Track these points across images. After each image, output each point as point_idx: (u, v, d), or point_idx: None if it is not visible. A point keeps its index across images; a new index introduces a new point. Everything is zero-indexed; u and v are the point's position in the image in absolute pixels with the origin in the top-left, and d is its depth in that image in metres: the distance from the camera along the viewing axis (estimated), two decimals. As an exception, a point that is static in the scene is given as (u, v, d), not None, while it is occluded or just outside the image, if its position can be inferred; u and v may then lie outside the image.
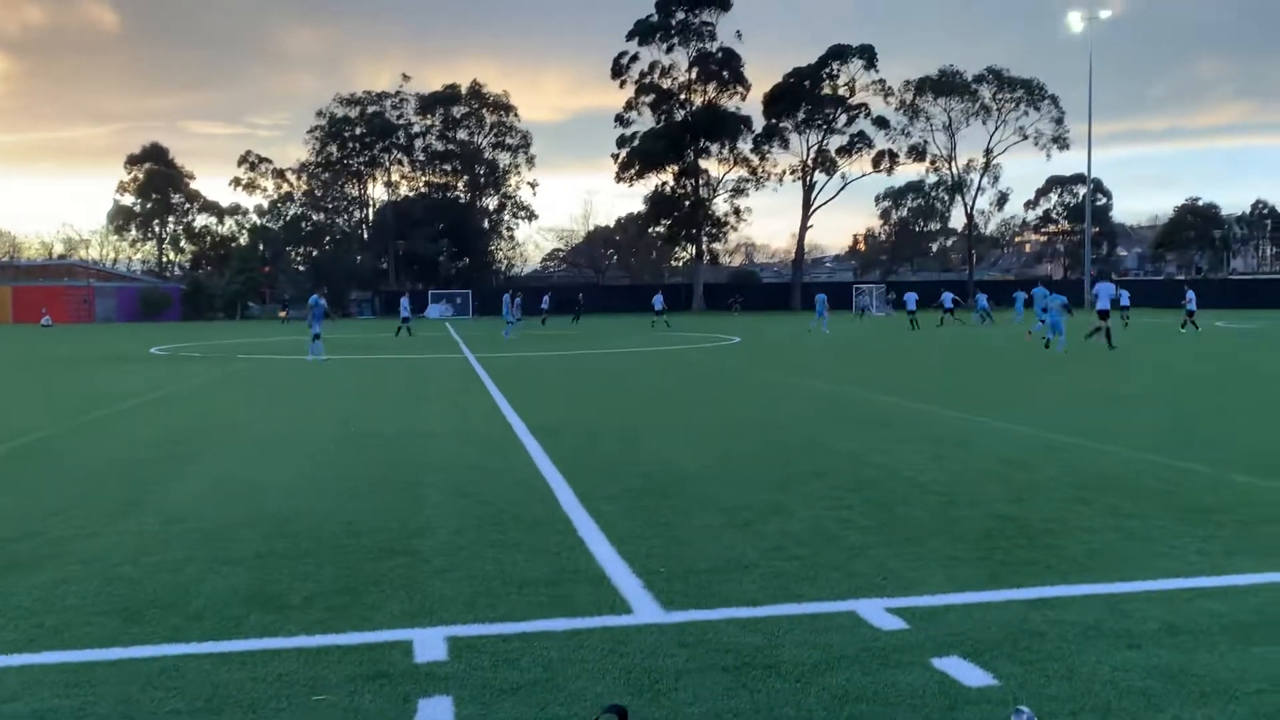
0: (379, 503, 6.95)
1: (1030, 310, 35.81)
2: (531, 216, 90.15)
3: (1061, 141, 79.46)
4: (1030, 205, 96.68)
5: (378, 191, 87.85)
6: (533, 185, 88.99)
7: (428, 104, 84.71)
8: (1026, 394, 14.42)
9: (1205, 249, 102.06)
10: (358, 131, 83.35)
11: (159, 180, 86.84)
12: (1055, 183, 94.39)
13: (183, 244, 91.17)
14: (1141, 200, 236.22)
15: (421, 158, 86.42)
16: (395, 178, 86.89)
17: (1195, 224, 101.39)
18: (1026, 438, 9.72)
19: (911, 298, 43.72)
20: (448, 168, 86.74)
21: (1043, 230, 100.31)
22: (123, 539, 5.99)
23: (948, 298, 44.30)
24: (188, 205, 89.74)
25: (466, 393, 15.24)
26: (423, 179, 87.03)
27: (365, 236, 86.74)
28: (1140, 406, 12.63)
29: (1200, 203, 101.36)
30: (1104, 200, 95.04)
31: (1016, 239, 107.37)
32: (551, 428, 10.75)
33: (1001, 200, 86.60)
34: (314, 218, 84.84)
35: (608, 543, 5.69)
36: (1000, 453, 8.82)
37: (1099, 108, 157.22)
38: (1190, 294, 33.78)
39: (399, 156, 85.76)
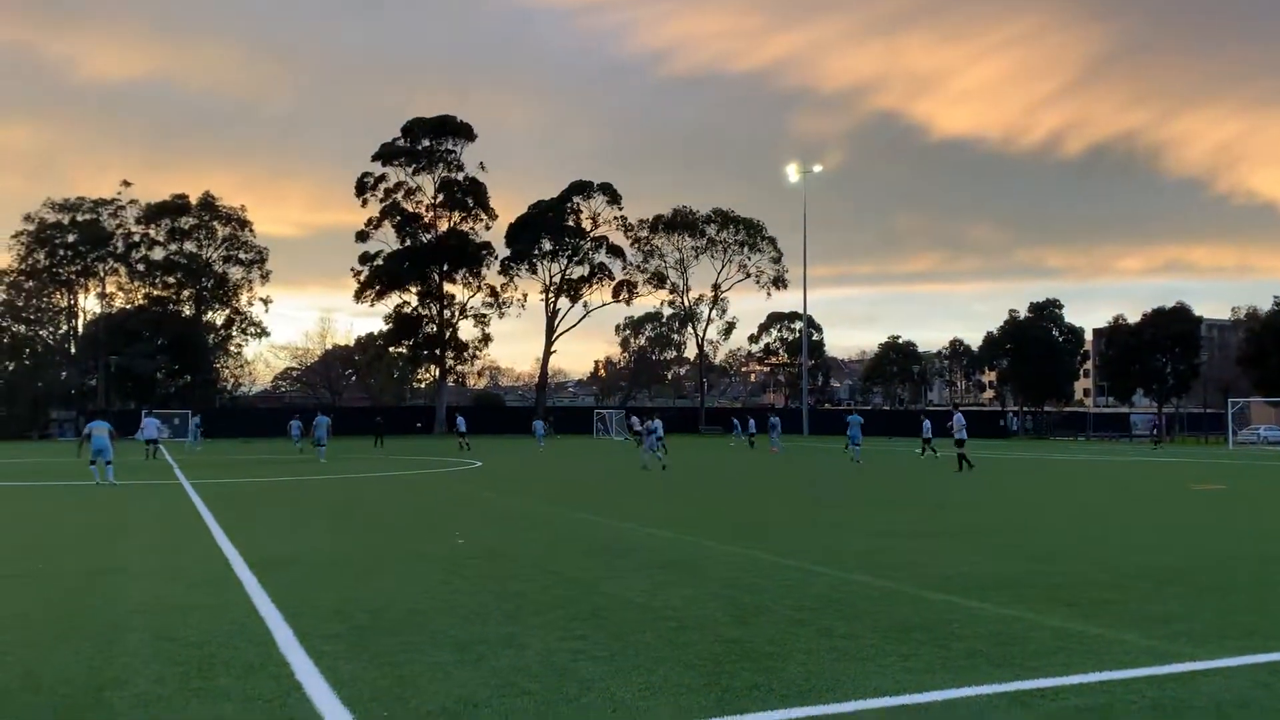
0: (65, 651, 6.19)
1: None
2: (263, 334, 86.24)
3: (780, 281, 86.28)
4: (754, 339, 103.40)
5: (90, 303, 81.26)
6: (266, 301, 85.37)
7: (153, 213, 80.00)
8: (753, 517, 15.08)
9: (906, 382, 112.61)
10: (70, 239, 77.16)
11: None
12: (775, 318, 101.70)
13: None
14: (851, 337, 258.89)
15: (141, 269, 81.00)
16: (110, 289, 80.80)
17: (897, 359, 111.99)
18: (752, 560, 10.12)
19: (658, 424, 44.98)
20: (171, 280, 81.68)
21: (765, 361, 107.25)
22: None
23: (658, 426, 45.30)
24: None
25: (177, 523, 14.06)
26: (142, 291, 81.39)
27: (72, 351, 79.51)
28: (855, 530, 13.50)
29: (901, 340, 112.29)
30: (818, 336, 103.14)
31: (743, 369, 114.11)
32: (272, 561, 10.07)
33: (729, 330, 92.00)
34: (13, 329, 76.96)
35: (328, 687, 5.32)
36: (727, 576, 9.11)
37: (815, 252, 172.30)
38: (926, 423, 37.06)
39: (115, 266, 79.96)
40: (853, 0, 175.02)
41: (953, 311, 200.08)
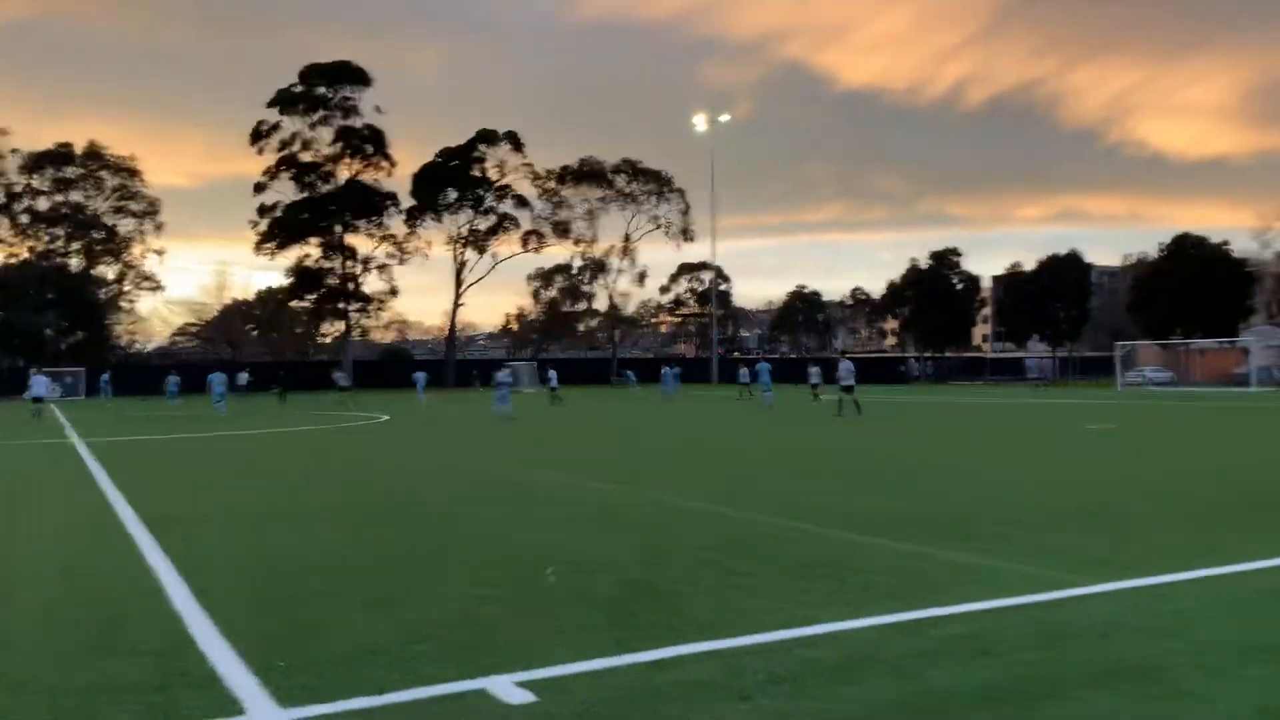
0: (-59, 615, 5.94)
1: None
2: (158, 288, 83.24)
3: (688, 233, 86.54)
4: (664, 290, 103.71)
5: (-31, 257, 77.14)
6: (159, 254, 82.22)
7: (35, 163, 76.13)
8: (663, 463, 15.23)
9: (812, 331, 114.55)
10: (-56, 189, 73.03)
11: None
12: (686, 269, 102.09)
13: None
14: (760, 287, 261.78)
15: (25, 220, 77.19)
16: (-9, 242, 76.81)
17: (803, 309, 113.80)
18: (661, 504, 10.22)
19: (554, 375, 45.43)
20: (58, 232, 78.08)
21: (676, 312, 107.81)
22: None
23: (553, 376, 45.73)
24: None
25: (68, 481, 13.56)
26: (26, 245, 77.65)
27: (-49, 307, 75.57)
28: (762, 474, 13.74)
29: (807, 290, 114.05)
30: (727, 286, 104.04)
31: (654, 320, 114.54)
32: (168, 518, 9.80)
33: (641, 279, 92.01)
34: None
35: (224, 640, 5.21)
36: (637, 520, 9.19)
37: (724, 203, 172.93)
38: (814, 370, 38.04)
39: (-4, 219, 76.00)
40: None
41: (859, 261, 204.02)
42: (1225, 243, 75.91)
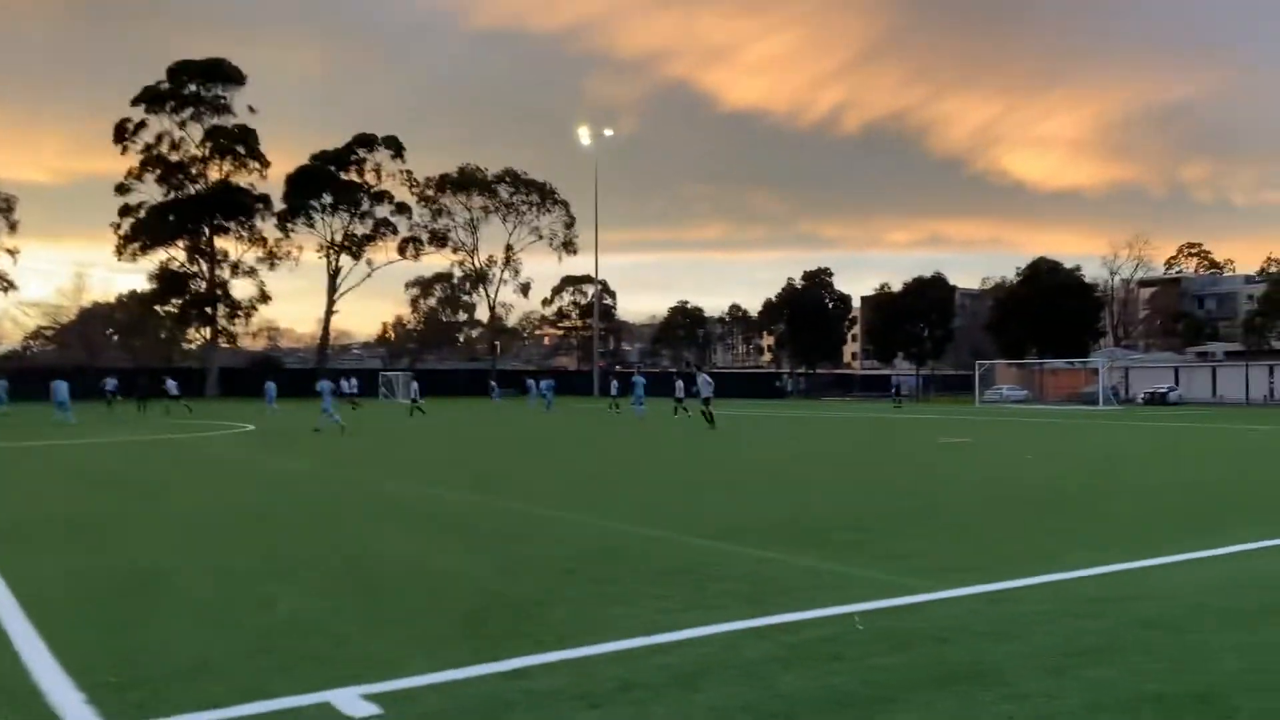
0: None
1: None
2: (10, 287, 78.56)
3: (571, 245, 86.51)
4: (547, 302, 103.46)
5: None
6: (13, 252, 77.63)
7: None
8: (529, 474, 15.13)
9: (692, 345, 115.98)
10: None
11: None
12: (569, 282, 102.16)
13: None
14: (643, 301, 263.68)
15: None
16: None
17: (685, 324, 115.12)
18: (525, 515, 10.14)
19: (415, 386, 43.83)
20: (-106, 227, 72.93)
21: (559, 325, 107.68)
22: None
23: (415, 387, 43.73)
24: None
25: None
26: None
27: None
28: (628, 485, 13.80)
29: (689, 305, 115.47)
30: (610, 300, 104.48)
31: (536, 332, 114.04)
32: (9, 528, 9.22)
33: (525, 290, 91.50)
34: None
35: (49, 652, 4.92)
36: (498, 530, 9.10)
37: (608, 217, 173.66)
38: (679, 383, 38.40)
39: None
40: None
41: (739, 278, 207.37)
42: (1078, 268, 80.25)
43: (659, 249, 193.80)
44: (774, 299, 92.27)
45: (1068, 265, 79.86)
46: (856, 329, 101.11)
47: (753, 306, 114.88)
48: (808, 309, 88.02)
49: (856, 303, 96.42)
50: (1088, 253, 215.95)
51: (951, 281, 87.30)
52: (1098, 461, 17.63)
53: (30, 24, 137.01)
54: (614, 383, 46.02)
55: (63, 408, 31.65)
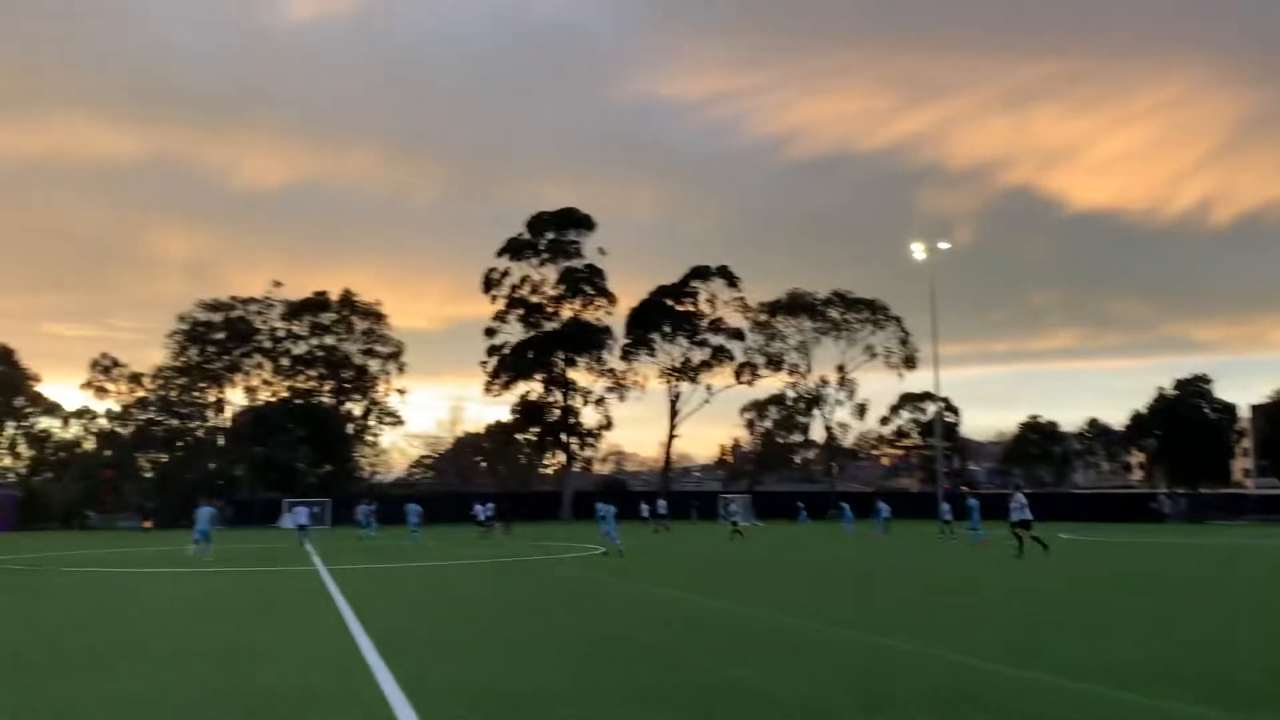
0: (198, 730, 6.38)
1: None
2: (398, 423, 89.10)
3: (910, 361, 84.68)
4: (885, 420, 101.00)
5: (237, 396, 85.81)
6: (401, 392, 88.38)
7: (296, 310, 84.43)
8: (880, 604, 14.55)
9: (1047, 463, 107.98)
10: (218, 336, 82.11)
11: (1, 382, 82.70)
12: (907, 399, 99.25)
13: (20, 449, 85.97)
14: (988, 417, 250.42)
15: (285, 363, 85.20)
16: (256, 383, 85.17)
17: (1037, 440, 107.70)
18: (881, 648, 9.73)
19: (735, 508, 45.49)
20: (313, 373, 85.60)
21: (898, 444, 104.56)
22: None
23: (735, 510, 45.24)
24: (30, 408, 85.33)
25: (309, 606, 14.43)
26: (285, 384, 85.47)
27: (220, 443, 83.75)
28: (986, 616, 12.88)
29: (1041, 420, 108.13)
30: (953, 417, 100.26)
31: (874, 451, 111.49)
32: (399, 641, 10.21)
33: (861, 412, 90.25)
34: (167, 422, 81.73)
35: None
36: (854, 664, 8.78)
37: (948, 331, 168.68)
38: (945, 506, 37.23)
39: (260, 361, 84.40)
40: (978, 78, 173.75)
41: (1093, 389, 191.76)
42: None
43: (1004, 361, 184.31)
44: (1143, 410, 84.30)
45: None
46: (1246, 442, 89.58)
47: (1112, 419, 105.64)
48: (1184, 420, 79.42)
49: (1244, 411, 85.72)
50: None
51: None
52: None
53: (414, 194, 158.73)
54: (944, 506, 43.22)
55: (414, 529, 36.21)
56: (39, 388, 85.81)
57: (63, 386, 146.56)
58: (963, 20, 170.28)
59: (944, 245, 75.79)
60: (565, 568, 23.38)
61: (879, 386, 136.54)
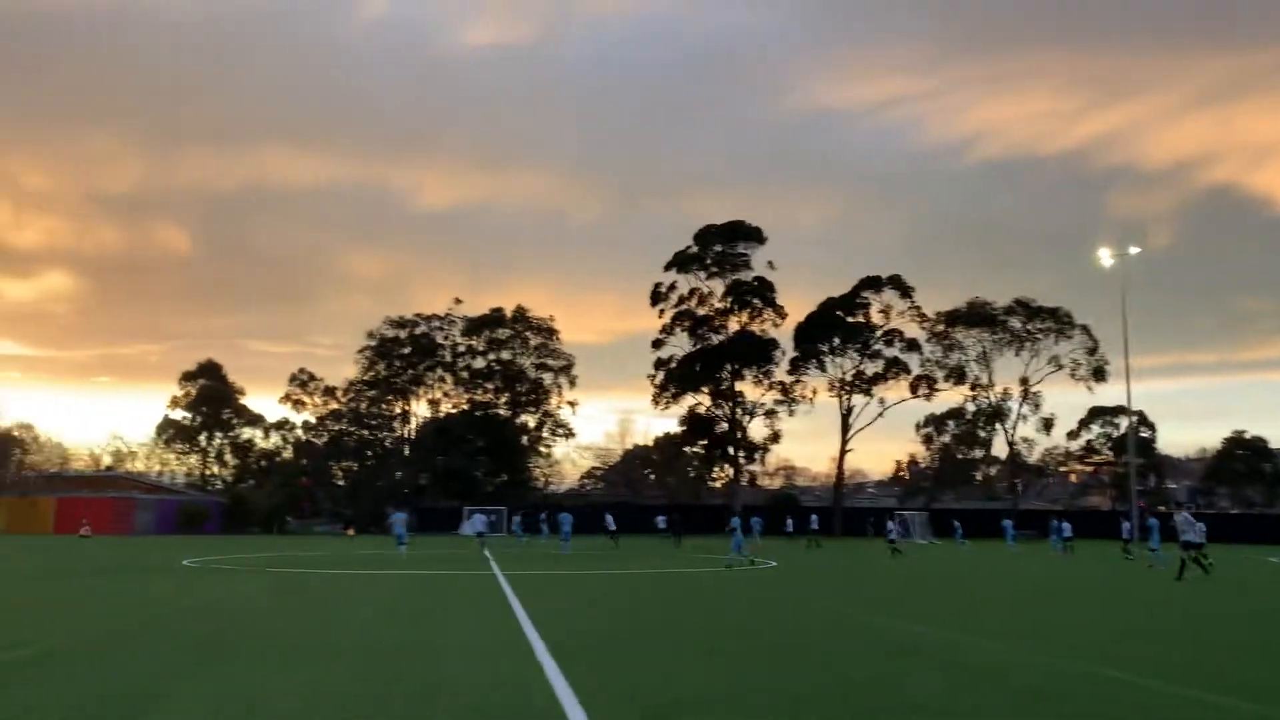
0: (387, 716, 6.74)
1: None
2: (570, 435, 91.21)
3: (1099, 373, 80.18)
4: (1073, 435, 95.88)
5: (421, 408, 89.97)
6: (572, 404, 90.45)
7: (474, 326, 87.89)
8: (1052, 621, 13.88)
9: (1258, 482, 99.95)
10: (404, 351, 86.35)
11: (210, 396, 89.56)
12: (1098, 413, 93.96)
13: (226, 457, 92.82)
14: (1190, 432, 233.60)
15: (465, 376, 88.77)
16: (438, 395, 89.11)
17: (1244, 457, 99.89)
18: (1060, 671, 9.29)
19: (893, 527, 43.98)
20: (490, 386, 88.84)
21: (1087, 461, 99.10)
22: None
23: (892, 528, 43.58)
24: (236, 420, 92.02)
25: (486, 608, 14.97)
26: (465, 397, 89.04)
27: (406, 453, 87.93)
28: (1211, 643, 12.09)
29: (1248, 435, 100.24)
30: (1148, 432, 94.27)
31: (1061, 468, 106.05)
32: (571, 646, 10.48)
33: (1047, 426, 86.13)
34: (358, 433, 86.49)
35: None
36: (1030, 684, 8.42)
37: (1143, 341, 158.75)
38: (1126, 524, 35.40)
39: (443, 375, 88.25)
40: (1174, 73, 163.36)
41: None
42: None
43: (1206, 373, 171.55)
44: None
45: None
46: None
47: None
48: None
49: None
50: None
51: None
52: None
53: (585, 212, 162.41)
54: (1124, 524, 41.44)
55: (565, 538, 38.89)
56: (244, 401, 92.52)
57: (264, 400, 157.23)
58: (1156, 14, 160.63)
59: (1135, 250, 71.76)
60: (731, 580, 23.35)
61: (1066, 400, 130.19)
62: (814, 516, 52.55)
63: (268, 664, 9.29)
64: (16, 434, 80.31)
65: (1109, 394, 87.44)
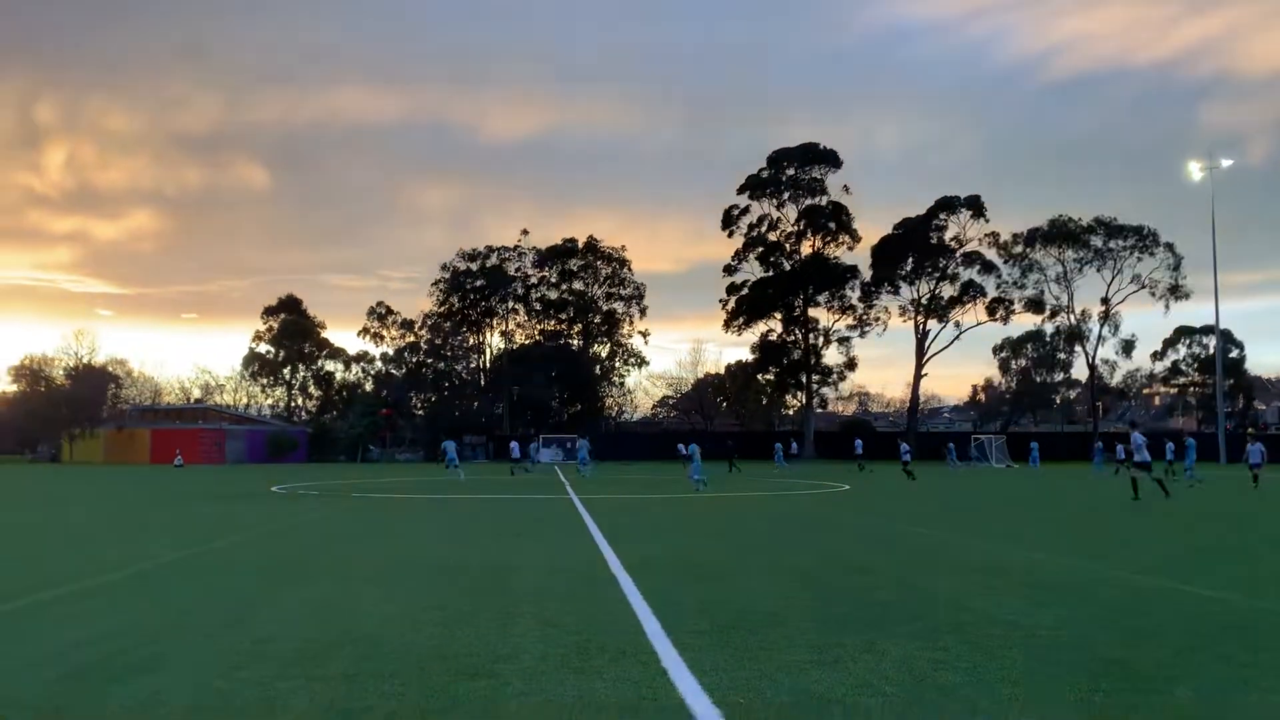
0: (468, 630, 7.02)
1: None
2: (642, 363, 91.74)
3: (1178, 291, 77.27)
4: (1157, 356, 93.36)
5: (494, 340, 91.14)
6: (644, 334, 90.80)
7: (545, 257, 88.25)
8: (1143, 541, 13.72)
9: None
10: (477, 284, 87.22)
11: (292, 330, 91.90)
12: (1183, 333, 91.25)
13: (310, 389, 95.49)
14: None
15: (537, 307, 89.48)
16: (511, 326, 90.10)
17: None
18: (1143, 586, 9.24)
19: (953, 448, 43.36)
20: (562, 316, 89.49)
21: (1172, 383, 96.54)
22: (218, 655, 6.19)
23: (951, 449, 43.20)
24: (317, 353, 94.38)
25: (566, 530, 15.33)
26: (537, 327, 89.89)
27: (481, 383, 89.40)
28: (1262, 554, 11.88)
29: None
30: (1236, 352, 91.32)
31: (1145, 391, 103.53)
32: (645, 564, 10.72)
33: (1128, 348, 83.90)
34: (434, 365, 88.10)
35: (690, 674, 5.61)
36: (1113, 600, 8.39)
37: (1235, 257, 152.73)
38: (1190, 442, 34.58)
39: (515, 307, 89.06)
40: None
41: None
42: None
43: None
44: None
45: None
46: None
47: None
48: None
49: None
50: None
51: None
52: None
53: (654, 135, 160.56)
54: (1168, 445, 41.00)
55: (584, 464, 40.45)
56: (325, 334, 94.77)
57: (344, 333, 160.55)
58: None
59: (1226, 163, 68.88)
60: (804, 504, 23.48)
61: (1151, 321, 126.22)
62: (904, 445, 46.14)
63: (356, 584, 9.69)
64: (111, 369, 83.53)
65: (1195, 313, 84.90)
